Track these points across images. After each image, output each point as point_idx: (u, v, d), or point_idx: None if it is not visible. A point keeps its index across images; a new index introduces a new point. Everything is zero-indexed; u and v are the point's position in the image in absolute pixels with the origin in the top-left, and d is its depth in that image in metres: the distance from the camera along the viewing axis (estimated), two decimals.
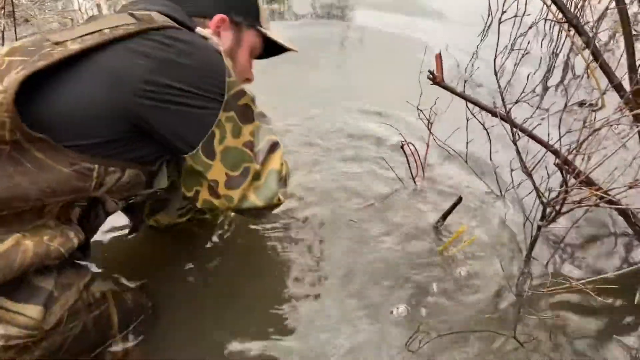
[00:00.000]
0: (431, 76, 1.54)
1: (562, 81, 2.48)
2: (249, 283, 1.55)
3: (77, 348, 1.18)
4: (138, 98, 1.05)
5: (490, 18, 2.67)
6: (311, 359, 1.34)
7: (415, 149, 1.93)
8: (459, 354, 1.36)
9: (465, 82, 1.68)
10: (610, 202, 1.43)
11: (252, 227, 1.74)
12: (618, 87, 1.43)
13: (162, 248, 1.66)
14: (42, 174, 1.03)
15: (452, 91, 1.56)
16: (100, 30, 1.08)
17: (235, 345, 1.37)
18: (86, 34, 1.07)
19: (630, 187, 1.23)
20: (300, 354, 1.35)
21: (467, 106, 1.70)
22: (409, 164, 1.94)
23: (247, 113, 1.20)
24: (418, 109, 1.86)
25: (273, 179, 1.25)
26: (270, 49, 1.45)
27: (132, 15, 1.14)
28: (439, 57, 1.53)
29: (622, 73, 1.51)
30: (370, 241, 1.71)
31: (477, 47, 2.66)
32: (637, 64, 1.45)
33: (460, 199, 1.72)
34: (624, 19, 1.34)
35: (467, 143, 1.92)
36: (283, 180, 1.30)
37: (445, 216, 1.77)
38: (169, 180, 1.36)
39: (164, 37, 1.08)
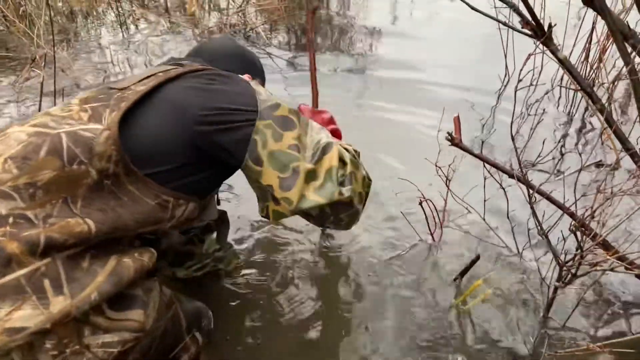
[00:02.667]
0: (449, 138, 1.60)
1: (578, 142, 2.53)
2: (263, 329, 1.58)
3: (161, 350, 1.26)
4: (197, 125, 1.22)
5: (507, 78, 2.74)
6: None
7: (434, 205, 1.97)
8: None
9: (482, 142, 1.72)
10: (627, 264, 1.45)
11: (260, 276, 1.79)
12: (633, 153, 1.46)
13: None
14: (136, 206, 1.17)
15: (470, 152, 1.61)
16: (155, 74, 1.29)
17: None
18: (145, 78, 1.27)
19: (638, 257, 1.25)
20: None
21: (484, 166, 1.74)
22: (427, 219, 1.98)
23: (286, 122, 1.28)
24: (436, 165, 1.91)
25: (332, 176, 1.26)
26: None
27: (176, 64, 1.38)
28: (457, 120, 1.59)
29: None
30: (388, 295, 1.74)
31: (493, 110, 2.72)
32: None
33: (478, 257, 1.75)
34: (637, 89, 1.39)
35: (484, 201, 1.95)
36: (348, 175, 1.28)
37: (463, 273, 1.79)
38: (218, 213, 1.55)
39: (206, 74, 1.32)
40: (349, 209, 1.31)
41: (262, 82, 1.65)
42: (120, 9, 3.95)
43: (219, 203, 1.71)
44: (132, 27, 3.93)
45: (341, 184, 1.27)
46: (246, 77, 1.49)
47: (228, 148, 1.25)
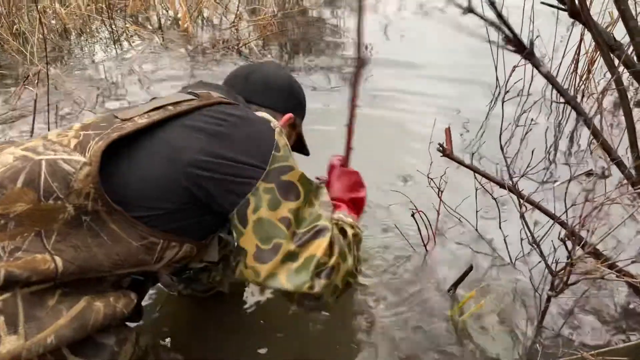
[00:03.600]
0: (441, 149, 1.62)
1: (569, 151, 2.56)
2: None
3: None
4: (190, 167, 1.14)
5: (497, 89, 2.78)
6: None
7: (426, 217, 1.98)
8: None
9: (473, 153, 1.74)
10: (618, 272, 1.46)
11: (256, 295, 1.79)
12: (619, 163, 1.48)
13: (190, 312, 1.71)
14: (115, 247, 1.10)
15: (461, 163, 1.63)
16: (164, 106, 1.21)
17: None
18: (152, 110, 1.20)
19: (632, 262, 1.26)
20: None
21: (475, 177, 1.76)
22: (419, 231, 1.99)
23: (290, 189, 1.19)
24: (428, 177, 1.93)
25: (308, 266, 1.17)
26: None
27: (191, 93, 1.28)
28: (448, 131, 1.61)
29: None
30: (382, 307, 1.74)
31: (483, 124, 2.75)
32: None
33: (471, 268, 1.76)
34: (624, 100, 1.41)
35: (476, 212, 1.97)
36: (328, 269, 1.19)
37: (456, 284, 1.80)
38: (220, 255, 1.45)
39: (219, 112, 1.21)
40: (317, 300, 1.23)
41: (302, 119, 1.58)
42: (113, 26, 3.98)
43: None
44: (126, 44, 3.96)
45: (317, 274, 1.18)
46: (287, 117, 1.45)
47: (216, 197, 1.17)
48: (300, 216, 1.19)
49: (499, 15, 1.51)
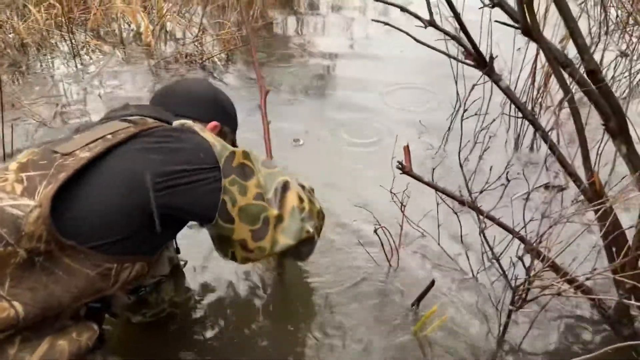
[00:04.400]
0: (400, 166, 1.62)
1: (527, 165, 2.60)
2: None
3: None
4: (156, 192, 1.15)
5: (457, 104, 2.81)
6: None
7: (389, 232, 1.98)
8: None
9: (433, 169, 1.75)
10: (575, 287, 1.49)
11: (214, 313, 1.76)
12: (576, 178, 1.51)
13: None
14: (72, 280, 1.09)
15: (421, 180, 1.64)
16: (103, 136, 1.20)
17: None
18: (91, 142, 1.18)
19: (587, 279, 1.29)
20: None
21: (436, 193, 1.78)
22: (382, 246, 1.99)
23: (244, 170, 1.28)
24: (391, 192, 1.94)
25: (295, 216, 1.32)
26: None
27: (125, 120, 1.28)
28: (406, 149, 1.62)
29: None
30: (346, 324, 1.74)
31: (443, 140, 2.78)
32: None
33: (433, 283, 1.77)
34: (576, 117, 1.44)
35: (438, 226, 1.98)
36: (307, 212, 1.37)
37: (419, 299, 1.80)
38: (170, 266, 1.51)
39: (160, 132, 1.25)
40: (311, 243, 1.42)
41: (233, 130, 1.61)
42: (73, 41, 3.90)
43: (178, 251, 1.62)
44: (87, 58, 3.88)
45: (303, 220, 1.34)
46: (212, 125, 1.47)
47: (194, 210, 1.24)
48: (263, 185, 1.31)
49: (464, 29, 1.53)
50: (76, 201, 1.11)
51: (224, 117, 1.55)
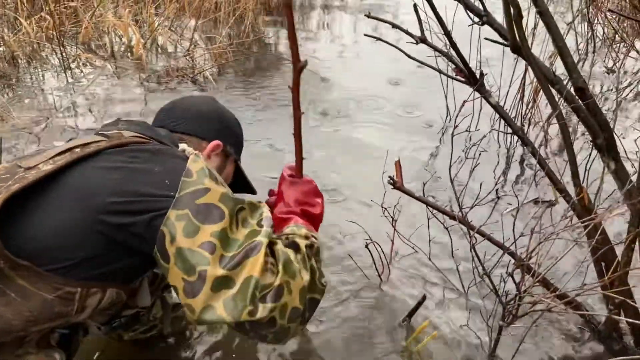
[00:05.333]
0: (392, 181, 1.63)
1: (517, 180, 2.63)
2: None
3: None
4: (103, 214, 1.05)
5: (448, 118, 2.84)
6: None
7: (380, 247, 1.98)
8: None
9: (424, 184, 1.76)
10: (565, 303, 1.49)
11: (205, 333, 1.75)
12: (566, 194, 1.53)
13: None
14: (26, 303, 1.02)
15: (412, 195, 1.65)
16: (72, 148, 1.13)
17: None
18: (57, 154, 1.11)
19: (578, 295, 1.29)
20: None
21: (427, 208, 1.78)
22: (374, 261, 2.00)
23: (209, 212, 1.07)
24: (382, 207, 1.94)
25: (246, 289, 1.02)
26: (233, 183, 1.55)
27: (102, 134, 1.21)
28: (398, 164, 1.63)
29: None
30: (338, 339, 1.73)
31: (433, 155, 2.81)
32: None
33: (424, 298, 1.77)
34: (565, 133, 1.46)
35: (429, 240, 1.99)
36: (273, 291, 1.05)
37: (410, 314, 1.80)
38: (153, 298, 1.35)
39: (128, 151, 1.14)
40: (271, 327, 1.07)
41: (238, 149, 1.52)
42: (64, 54, 3.89)
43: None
44: (77, 71, 3.88)
45: (262, 298, 1.04)
46: (214, 144, 1.39)
47: (135, 239, 1.08)
48: (228, 238, 1.07)
49: (454, 46, 1.55)
50: (31, 219, 1.04)
51: (228, 136, 1.46)
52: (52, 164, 1.08)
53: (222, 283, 1.03)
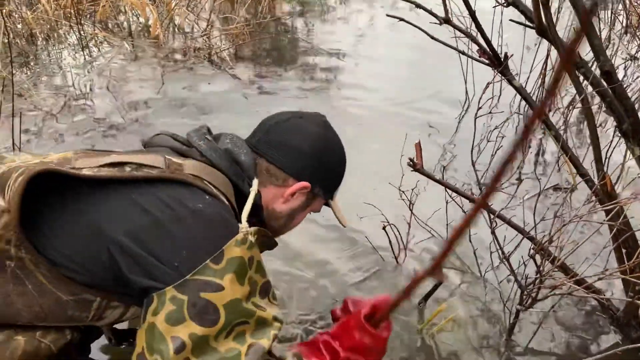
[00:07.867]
0: (411, 163, 1.62)
1: (537, 166, 2.60)
2: None
3: None
4: (112, 246, 0.97)
5: (467, 103, 2.81)
6: None
7: (397, 230, 1.98)
8: None
9: (444, 167, 1.75)
10: (585, 288, 1.48)
11: None
12: (588, 179, 1.51)
13: None
14: (39, 299, 0.98)
15: (432, 178, 1.64)
16: (124, 163, 1.04)
17: None
18: (105, 165, 1.03)
19: (600, 279, 1.29)
20: None
21: (446, 190, 1.77)
22: (391, 244, 1.99)
23: (205, 312, 0.93)
24: (400, 190, 1.93)
25: None
26: None
27: (165, 159, 1.08)
28: (418, 146, 1.62)
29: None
30: None
31: (454, 136, 2.78)
32: None
33: (441, 281, 1.77)
34: (590, 118, 1.44)
35: (447, 225, 1.98)
36: None
37: (427, 297, 1.80)
38: None
39: (173, 196, 1.01)
40: None
41: (329, 190, 1.32)
42: (82, 32, 3.90)
43: None
44: (95, 50, 3.88)
45: None
46: (299, 186, 1.22)
47: (128, 281, 0.98)
48: (204, 347, 0.93)
49: (479, 27, 1.53)
50: (55, 218, 1.00)
51: (323, 177, 1.27)
52: (93, 173, 1.01)
53: None
